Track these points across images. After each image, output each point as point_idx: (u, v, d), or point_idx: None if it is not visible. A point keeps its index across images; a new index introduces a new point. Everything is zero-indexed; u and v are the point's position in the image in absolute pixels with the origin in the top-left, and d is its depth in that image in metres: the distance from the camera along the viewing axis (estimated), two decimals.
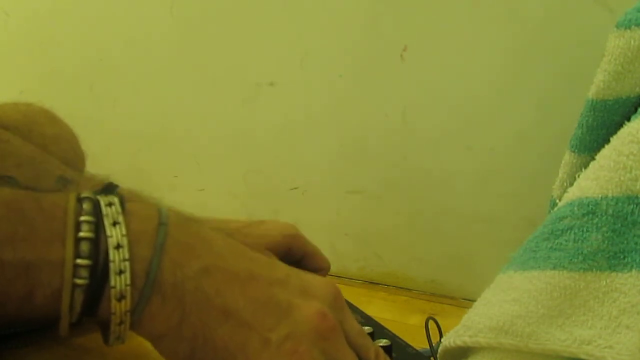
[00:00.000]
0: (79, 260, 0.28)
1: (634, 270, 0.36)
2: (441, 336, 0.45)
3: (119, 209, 0.30)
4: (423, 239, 0.76)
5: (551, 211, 0.42)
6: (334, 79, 0.77)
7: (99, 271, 0.29)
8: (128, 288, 0.29)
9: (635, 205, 0.37)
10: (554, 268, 0.38)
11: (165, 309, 0.31)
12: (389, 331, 0.47)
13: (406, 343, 0.46)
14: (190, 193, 0.89)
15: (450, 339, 0.41)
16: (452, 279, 0.75)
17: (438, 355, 0.43)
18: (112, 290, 0.29)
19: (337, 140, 0.78)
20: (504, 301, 0.39)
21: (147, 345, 0.50)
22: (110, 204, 0.30)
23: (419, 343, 0.46)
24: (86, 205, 0.30)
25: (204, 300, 0.31)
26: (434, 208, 0.74)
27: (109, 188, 0.49)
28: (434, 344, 0.45)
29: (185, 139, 0.90)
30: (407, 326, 0.62)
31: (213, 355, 0.32)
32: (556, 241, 0.39)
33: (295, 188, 0.82)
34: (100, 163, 0.58)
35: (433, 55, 0.71)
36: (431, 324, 0.46)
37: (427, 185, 0.74)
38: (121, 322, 0.30)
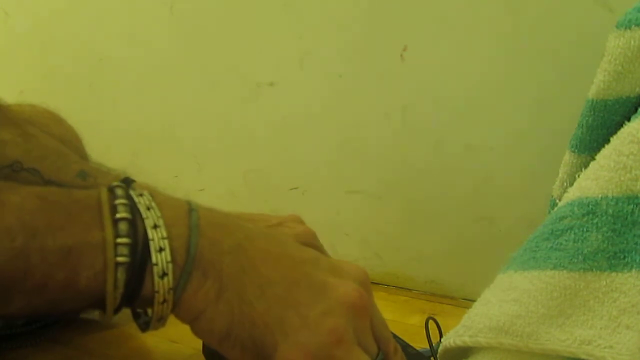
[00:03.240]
0: (119, 240, 0.29)
1: (634, 270, 0.36)
2: (441, 336, 0.45)
3: (150, 198, 0.32)
4: (423, 239, 0.76)
5: (551, 211, 0.42)
6: (333, 79, 0.77)
7: (140, 249, 0.30)
8: (170, 265, 0.30)
9: (635, 205, 0.37)
10: (554, 268, 0.38)
11: (205, 285, 0.31)
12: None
13: (406, 343, 0.46)
14: (190, 193, 0.89)
15: (450, 339, 0.41)
16: (452, 279, 0.75)
17: (438, 355, 0.43)
18: (155, 268, 0.30)
19: (337, 140, 0.78)
20: (504, 301, 0.39)
21: (148, 345, 0.50)
22: (141, 195, 0.32)
23: (419, 343, 0.46)
24: (119, 192, 0.31)
25: (240, 274, 0.32)
26: (434, 208, 0.74)
27: (126, 182, 0.49)
28: (434, 344, 0.45)
29: (185, 139, 0.90)
30: (407, 326, 0.62)
31: (250, 330, 0.31)
32: (556, 241, 0.39)
33: (295, 188, 0.82)
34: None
35: (433, 55, 0.71)
36: (431, 324, 0.46)
37: (427, 185, 0.74)
38: (164, 301, 0.30)
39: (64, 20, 0.97)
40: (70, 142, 0.55)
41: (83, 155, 0.57)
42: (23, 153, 0.43)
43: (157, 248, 0.30)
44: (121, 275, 0.29)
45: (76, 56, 0.97)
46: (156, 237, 0.30)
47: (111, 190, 0.31)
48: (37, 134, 0.46)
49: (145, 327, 0.33)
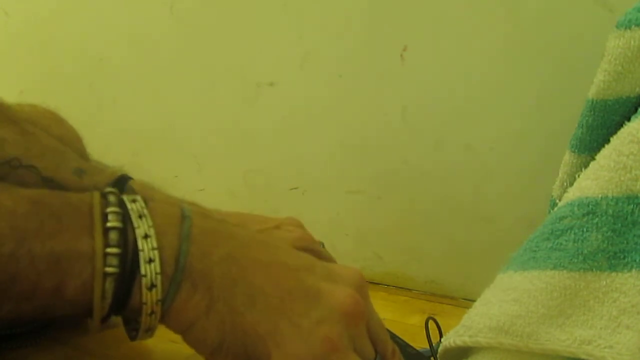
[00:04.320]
0: (108, 249, 0.29)
1: (634, 270, 0.36)
2: (441, 336, 0.45)
3: (143, 204, 0.31)
4: (423, 239, 0.76)
5: (551, 211, 0.42)
6: (334, 79, 0.77)
7: (129, 260, 0.29)
8: (158, 276, 0.29)
9: (635, 205, 0.37)
10: (554, 268, 0.38)
11: (195, 297, 0.31)
12: (389, 331, 0.47)
13: (406, 343, 0.46)
14: (190, 193, 0.89)
15: (450, 339, 0.41)
16: (452, 279, 0.75)
17: (438, 355, 0.43)
18: (143, 279, 0.29)
19: (337, 140, 0.78)
20: (504, 301, 0.39)
21: (147, 345, 0.50)
22: (134, 201, 0.31)
23: (419, 343, 0.46)
24: (112, 199, 0.30)
25: (230, 285, 0.31)
26: (434, 208, 0.74)
27: (123, 179, 0.49)
28: (434, 344, 0.45)
29: (185, 139, 0.90)
30: (407, 326, 0.62)
31: (242, 341, 0.31)
32: (556, 241, 0.39)
33: (295, 188, 0.82)
34: None
35: (433, 55, 0.71)
36: (431, 324, 0.46)
37: (427, 185, 0.74)
38: (152, 312, 0.30)
39: (64, 20, 0.97)
40: (71, 143, 0.55)
41: (84, 155, 0.57)
42: (22, 151, 0.43)
43: (147, 259, 0.29)
44: (109, 285, 0.29)
45: (76, 56, 0.97)
46: (146, 248, 0.29)
47: (104, 196, 0.31)
48: (35, 132, 0.45)
49: (134, 335, 0.32)
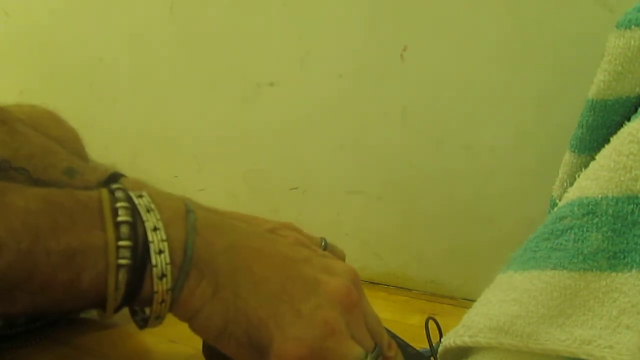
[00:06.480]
0: (120, 242, 0.30)
1: (634, 270, 0.36)
2: (441, 336, 0.45)
3: (149, 199, 0.32)
4: (423, 239, 0.76)
5: (551, 211, 0.42)
6: (334, 79, 0.77)
7: (140, 252, 0.31)
8: (168, 266, 0.31)
9: (635, 205, 0.37)
10: (554, 268, 0.38)
11: (201, 285, 0.32)
12: (389, 331, 0.47)
13: (406, 343, 0.46)
14: (190, 193, 0.89)
15: (450, 339, 0.41)
16: (452, 279, 0.75)
17: (438, 355, 0.43)
18: (154, 270, 0.31)
19: (337, 141, 0.78)
20: (504, 301, 0.39)
21: (147, 345, 0.50)
22: (140, 196, 0.32)
23: (419, 343, 0.46)
24: (119, 194, 0.32)
25: (234, 272, 0.33)
26: (434, 208, 0.74)
27: (114, 177, 0.50)
28: (434, 344, 0.45)
29: (185, 139, 0.90)
30: (407, 326, 0.62)
31: (245, 326, 0.32)
32: (556, 241, 0.39)
33: (295, 188, 0.82)
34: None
35: (433, 55, 0.71)
36: (431, 324, 0.46)
37: (427, 185, 0.74)
38: (162, 301, 0.31)
39: (64, 20, 0.97)
40: (70, 143, 0.56)
41: (83, 156, 0.57)
42: (11, 152, 0.43)
43: (157, 250, 0.31)
44: (122, 276, 0.30)
45: (76, 56, 0.97)
46: (156, 240, 0.31)
47: (112, 192, 0.32)
48: (25, 132, 0.46)
49: (142, 324, 0.33)
